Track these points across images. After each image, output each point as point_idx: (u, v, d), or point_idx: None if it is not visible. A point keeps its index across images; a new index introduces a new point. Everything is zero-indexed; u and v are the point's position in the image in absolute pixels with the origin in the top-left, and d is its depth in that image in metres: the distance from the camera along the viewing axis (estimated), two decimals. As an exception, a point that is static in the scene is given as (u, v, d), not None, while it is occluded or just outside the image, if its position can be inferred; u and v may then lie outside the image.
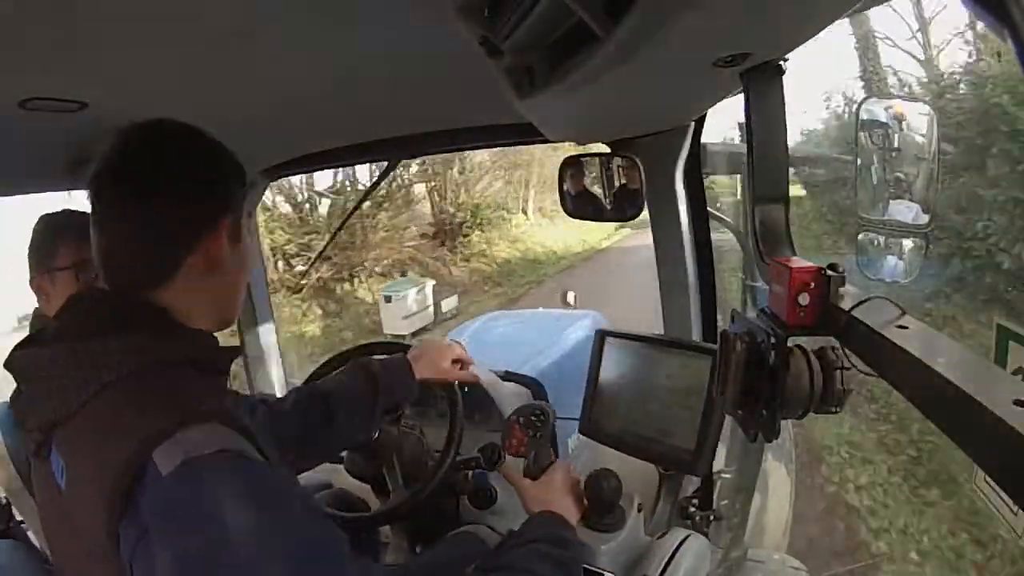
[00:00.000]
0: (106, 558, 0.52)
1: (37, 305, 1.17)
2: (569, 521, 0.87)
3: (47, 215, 1.20)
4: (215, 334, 0.69)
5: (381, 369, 1.05)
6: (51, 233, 1.12)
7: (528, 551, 0.76)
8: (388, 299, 8.17)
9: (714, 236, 1.19)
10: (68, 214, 1.18)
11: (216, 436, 0.53)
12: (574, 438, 1.82)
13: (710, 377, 0.99)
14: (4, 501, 0.97)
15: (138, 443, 0.51)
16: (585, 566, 0.87)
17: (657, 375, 1.07)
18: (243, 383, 1.81)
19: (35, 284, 1.10)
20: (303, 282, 8.42)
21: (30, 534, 0.96)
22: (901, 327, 0.42)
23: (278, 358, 1.78)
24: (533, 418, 1.03)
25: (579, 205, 1.22)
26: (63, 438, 0.57)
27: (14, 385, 0.64)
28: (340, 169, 8.64)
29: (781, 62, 0.61)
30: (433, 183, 11.42)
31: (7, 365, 0.65)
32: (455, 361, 1.15)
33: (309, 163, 1.56)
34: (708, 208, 1.17)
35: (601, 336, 1.16)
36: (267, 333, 1.74)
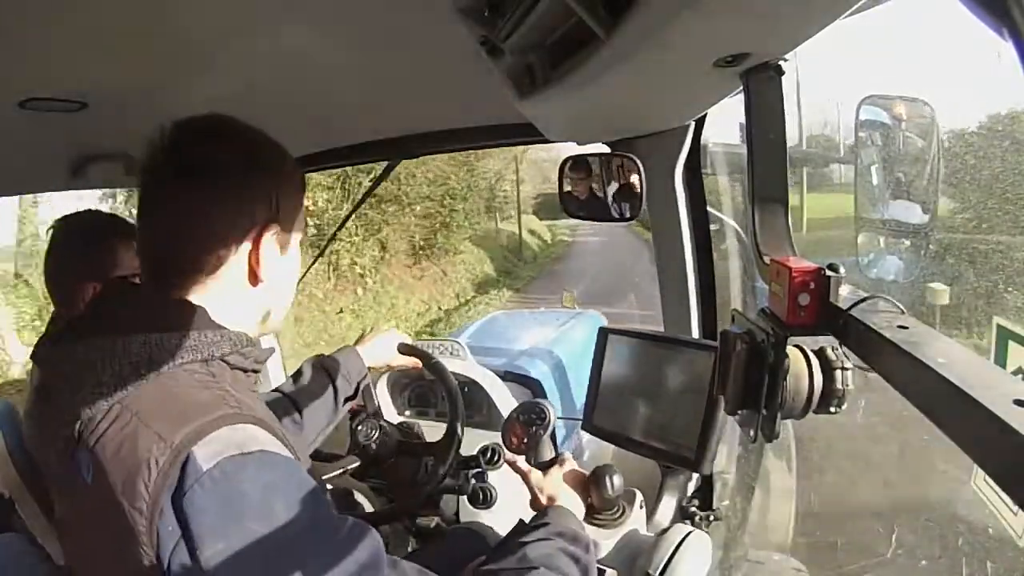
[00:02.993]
0: (130, 558, 0.51)
1: (55, 310, 1.13)
2: (579, 517, 0.86)
3: (78, 218, 1.15)
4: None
5: (332, 362, 1.08)
6: (106, 237, 1.09)
7: (549, 547, 0.74)
8: None
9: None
10: (115, 218, 1.15)
11: (253, 436, 0.54)
12: (582, 433, 1.82)
13: (711, 374, 0.99)
14: (6, 496, 0.97)
15: (178, 440, 0.51)
16: None
17: (659, 372, 1.07)
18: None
19: (87, 291, 1.04)
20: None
21: (32, 531, 0.96)
22: (901, 327, 0.42)
23: (279, 359, 1.78)
24: (533, 415, 1.03)
25: (579, 205, 1.22)
26: (93, 434, 0.55)
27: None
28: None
29: (781, 62, 0.61)
30: None
31: (35, 358, 0.64)
32: (401, 347, 1.18)
33: (310, 163, 1.56)
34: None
35: (604, 334, 1.16)
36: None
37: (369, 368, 1.12)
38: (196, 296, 0.62)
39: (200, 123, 0.63)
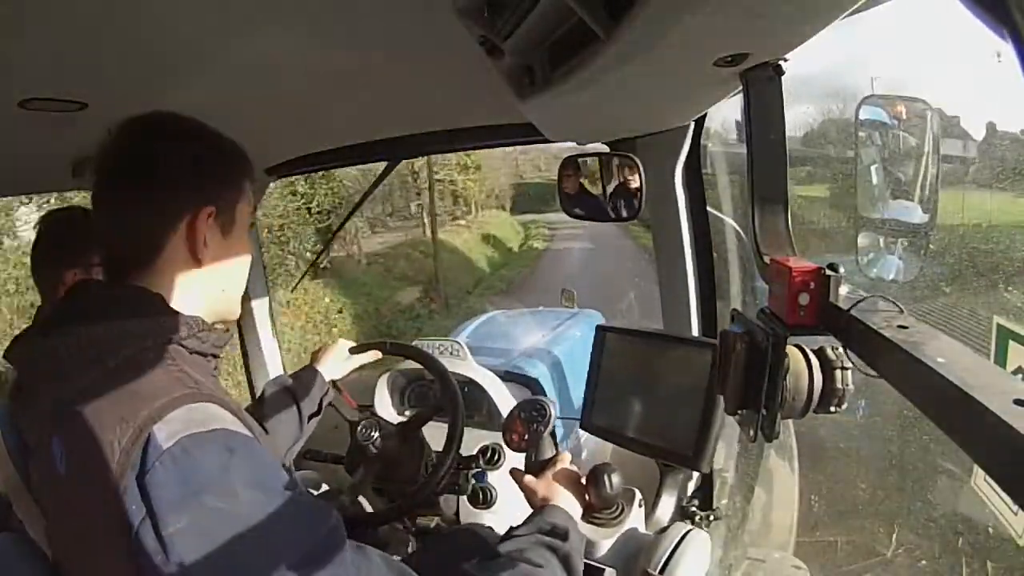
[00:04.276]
0: (107, 543, 0.52)
1: (42, 304, 1.18)
2: (571, 514, 0.87)
3: (62, 213, 1.24)
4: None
5: (294, 383, 1.12)
6: (87, 229, 1.14)
7: (529, 541, 0.77)
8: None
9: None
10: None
11: (213, 414, 0.55)
12: (580, 432, 1.83)
13: (709, 371, 0.99)
14: (3, 497, 0.97)
15: (139, 421, 0.52)
16: (585, 561, 0.87)
17: (657, 371, 1.07)
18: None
19: (68, 278, 1.12)
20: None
21: (29, 531, 0.96)
22: (901, 327, 0.42)
23: (277, 353, 1.78)
24: (535, 412, 1.03)
25: (578, 205, 1.22)
26: (64, 424, 0.57)
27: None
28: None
29: (781, 62, 0.61)
30: None
31: (7, 356, 0.65)
32: (352, 350, 1.21)
33: (310, 163, 1.56)
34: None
35: (602, 332, 1.16)
36: (264, 328, 1.74)
37: (333, 381, 1.16)
38: (150, 284, 0.65)
39: (139, 122, 0.66)
